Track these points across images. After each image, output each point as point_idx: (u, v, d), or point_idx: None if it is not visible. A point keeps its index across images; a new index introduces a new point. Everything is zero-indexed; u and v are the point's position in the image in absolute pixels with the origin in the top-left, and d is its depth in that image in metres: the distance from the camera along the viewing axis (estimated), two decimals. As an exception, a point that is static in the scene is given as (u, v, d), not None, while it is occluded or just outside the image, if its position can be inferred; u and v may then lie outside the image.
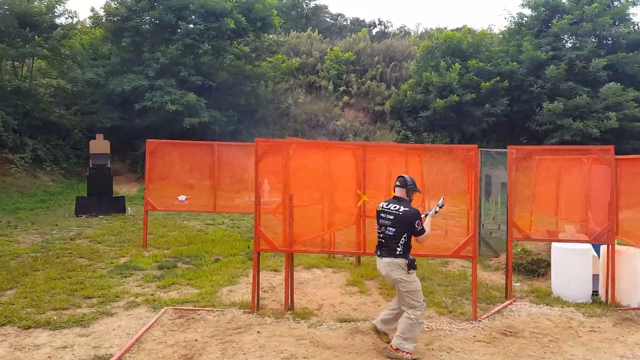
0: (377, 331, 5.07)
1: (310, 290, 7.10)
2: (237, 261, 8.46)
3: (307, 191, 6.75)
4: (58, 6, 19.18)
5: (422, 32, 35.69)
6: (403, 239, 4.80)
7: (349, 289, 7.16)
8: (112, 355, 4.71)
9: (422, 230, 4.87)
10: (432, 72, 23.14)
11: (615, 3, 23.34)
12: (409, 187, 4.99)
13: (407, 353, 4.72)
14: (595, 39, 23.07)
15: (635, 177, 7.18)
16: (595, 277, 6.92)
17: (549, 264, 7.62)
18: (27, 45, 17.79)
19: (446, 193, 8.14)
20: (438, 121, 23.16)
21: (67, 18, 19.81)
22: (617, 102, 20.20)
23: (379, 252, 4.94)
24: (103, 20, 20.61)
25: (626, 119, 20.00)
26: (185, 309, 6.02)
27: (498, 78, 22.22)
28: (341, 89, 25.87)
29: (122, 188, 17.29)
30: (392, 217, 4.84)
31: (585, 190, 7.51)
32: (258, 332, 5.39)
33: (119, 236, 10.53)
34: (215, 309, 6.04)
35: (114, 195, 14.34)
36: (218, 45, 20.10)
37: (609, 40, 22.90)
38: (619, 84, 20.44)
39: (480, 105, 22.34)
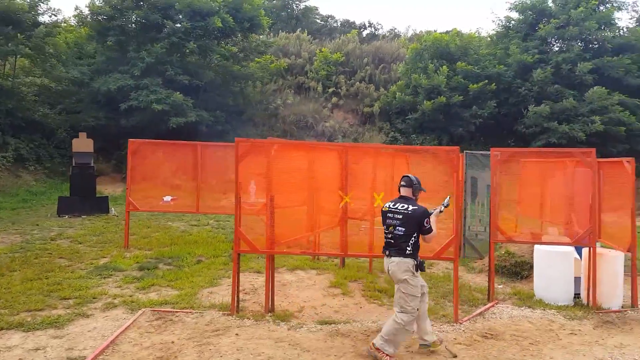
0: (427, 345, 4.96)
1: (293, 292, 7.03)
2: (220, 262, 8.37)
3: (290, 192, 6.68)
4: (42, 4, 18.92)
5: (412, 34, 35.86)
6: (413, 238, 4.79)
7: (332, 291, 7.10)
8: (85, 358, 4.60)
9: (430, 229, 4.86)
10: (421, 75, 23.21)
11: (601, 7, 23.58)
12: (415, 186, 5.01)
13: (387, 355, 4.67)
14: (581, 42, 23.29)
15: (617, 179, 7.22)
16: (578, 280, 6.93)
17: (532, 267, 7.62)
18: (10, 44, 17.51)
19: (430, 195, 8.20)
20: (427, 123, 23.22)
21: (50, 16, 19.58)
22: (602, 105, 20.39)
23: (387, 252, 4.89)
24: (88, 19, 20.35)
25: (611, 123, 20.19)
26: (164, 311, 5.92)
27: (486, 81, 22.34)
28: (330, 90, 25.85)
29: (107, 188, 17.09)
30: (400, 217, 4.82)
31: (569, 193, 7.51)
32: (236, 334, 5.31)
33: (100, 237, 10.38)
34: (194, 311, 5.95)
35: (98, 195, 14.16)
36: (205, 45, 19.99)
37: (595, 44, 23.13)
38: (604, 87, 20.63)
39: (468, 107, 22.45)
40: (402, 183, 5.04)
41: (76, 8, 23.46)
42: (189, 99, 19.04)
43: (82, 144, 13.52)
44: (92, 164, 13.79)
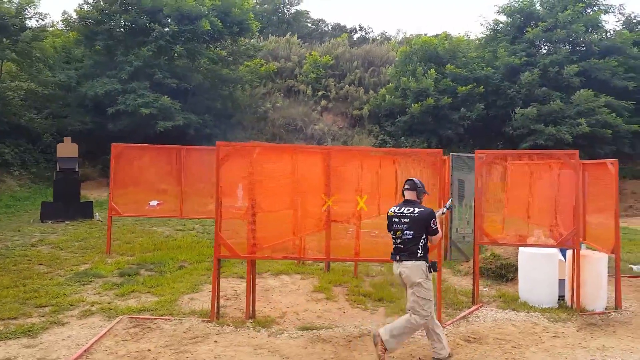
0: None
1: (276, 297, 6.93)
2: (203, 268, 8.25)
3: (274, 196, 6.59)
4: (29, 8, 18.70)
5: (402, 38, 35.91)
6: (422, 240, 4.80)
7: (315, 296, 7.01)
8: (56, 368, 4.48)
9: (437, 230, 4.87)
10: (410, 78, 23.24)
11: (588, 11, 23.74)
12: (419, 189, 5.02)
13: (385, 349, 4.63)
14: (568, 45, 23.43)
15: (600, 181, 7.21)
16: (562, 282, 6.89)
17: (517, 269, 7.57)
18: (-4, 49, 17.33)
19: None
20: (416, 125, 23.24)
21: (37, 20, 19.36)
22: (589, 108, 20.49)
23: (397, 257, 4.86)
24: (76, 24, 20.17)
25: (598, 125, 20.29)
26: (141, 318, 5.80)
27: (474, 84, 22.42)
28: (320, 93, 25.80)
29: (92, 193, 16.89)
30: (407, 220, 4.82)
31: (554, 195, 7.50)
32: (215, 341, 5.21)
33: (83, 242, 10.21)
34: (173, 318, 5.84)
35: (82, 200, 13.96)
36: (193, 48, 19.87)
37: (582, 47, 23.27)
38: (590, 90, 20.74)
39: (457, 110, 22.51)
40: (407, 186, 5.04)
41: (64, 13, 23.26)
42: (177, 102, 18.90)
43: (67, 149, 13.34)
44: (76, 169, 13.61)
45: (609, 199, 6.79)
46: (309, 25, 41.09)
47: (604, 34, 23.94)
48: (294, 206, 6.90)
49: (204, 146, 11.40)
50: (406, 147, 22.64)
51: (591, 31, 23.38)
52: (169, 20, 19.61)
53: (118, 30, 20.40)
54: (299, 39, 30.54)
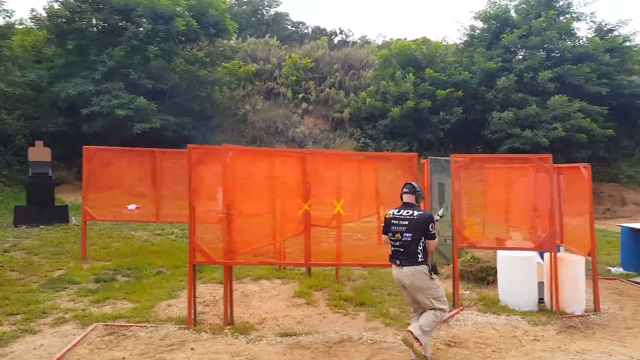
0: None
1: (255, 303, 6.83)
2: (181, 273, 8.08)
3: (251, 200, 6.50)
4: (-6, 5, 18.15)
5: (382, 42, 36.10)
6: (422, 243, 4.85)
7: (296, 301, 6.93)
8: (26, 380, 4.31)
9: (434, 235, 4.91)
10: (389, 81, 23.37)
11: (561, 18, 24.26)
12: (418, 193, 5.11)
13: (421, 345, 4.71)
14: (543, 51, 23.87)
15: (575, 184, 7.31)
16: (541, 285, 6.95)
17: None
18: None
19: (393, 200, 8.14)
20: (397, 129, 23.36)
21: (4, 17, 18.76)
22: (564, 112, 20.88)
23: (398, 262, 4.89)
24: (45, 22, 19.64)
25: (573, 129, 20.69)
26: (117, 325, 5.65)
27: (453, 89, 22.65)
28: (300, 95, 25.71)
29: (68, 197, 16.46)
30: (406, 223, 4.87)
31: (532, 198, 7.57)
32: (192, 349, 5.10)
33: (58, 247, 9.94)
34: (150, 325, 5.69)
35: (57, 204, 13.61)
36: (168, 48, 19.53)
37: (556, 54, 23.73)
38: (565, 95, 21.14)
39: (436, 113, 22.71)
40: (405, 190, 5.12)
41: (32, 10, 22.50)
42: (153, 103, 18.56)
43: (39, 152, 12.94)
44: (49, 174, 13.23)
45: (584, 202, 6.88)
46: (289, 27, 40.98)
47: (577, 41, 24.46)
48: (272, 210, 6.82)
49: (181, 149, 11.21)
50: (387, 150, 22.76)
51: (564, 38, 23.88)
52: (144, 20, 19.28)
53: (90, 29, 19.92)
54: (279, 41, 30.42)
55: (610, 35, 24.00)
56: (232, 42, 24.15)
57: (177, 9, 19.48)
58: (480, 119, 23.01)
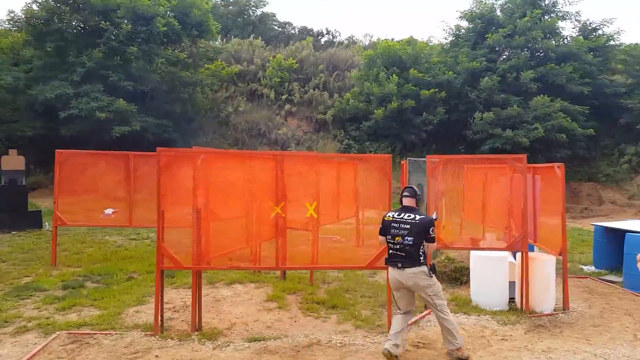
0: (391, 356, 4.82)
1: (226, 308, 6.73)
2: (153, 279, 7.83)
3: (223, 204, 6.42)
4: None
5: (369, 42, 36.07)
6: (422, 246, 4.93)
7: (268, 305, 6.85)
8: (-22, 392, 4.19)
9: (434, 238, 4.99)
10: (373, 83, 23.37)
11: (546, 17, 24.41)
12: (419, 196, 5.17)
13: (459, 349, 4.92)
14: (528, 51, 24.02)
15: (550, 184, 7.33)
16: (513, 284, 6.95)
17: (471, 272, 7.62)
18: None
19: (370, 201, 8.12)
20: (380, 130, 23.39)
21: (-20, 19, 18.50)
22: (545, 113, 21.04)
23: (400, 264, 4.93)
24: (23, 24, 19.35)
25: (554, 129, 20.85)
26: (80, 333, 5.52)
27: (437, 89, 22.71)
28: (284, 97, 25.64)
29: (44, 202, 16.18)
30: (408, 226, 4.92)
31: (507, 198, 7.59)
32: (156, 356, 5.00)
33: (29, 254, 9.75)
34: (115, 332, 5.57)
35: (32, 209, 13.37)
36: (149, 49, 19.33)
37: (540, 53, 23.90)
38: (546, 96, 21.30)
39: (420, 114, 22.75)
40: (406, 193, 5.17)
41: (10, 12, 22.14)
42: (133, 105, 18.33)
43: (12, 161, 12.67)
44: (23, 183, 12.99)
45: (558, 201, 6.90)
46: (276, 28, 40.86)
47: (561, 40, 24.65)
48: (245, 214, 6.74)
49: (148, 152, 11.07)
50: (370, 151, 22.79)
51: (549, 37, 23.99)
52: (124, 21, 19.07)
53: (69, 30, 19.66)
54: (264, 42, 30.29)
55: (594, 34, 24.18)
56: (217, 43, 23.96)
57: (159, 9, 19.30)
58: (463, 119, 23.12)
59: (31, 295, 7.02)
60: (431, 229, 4.93)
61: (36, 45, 19.58)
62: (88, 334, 5.53)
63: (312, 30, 40.82)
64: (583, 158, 22.31)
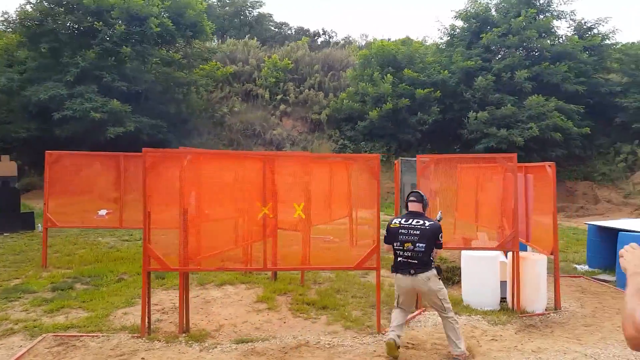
0: (396, 345, 4.89)
1: (216, 309, 6.68)
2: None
3: (213, 204, 6.38)
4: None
5: (365, 42, 36.03)
6: (432, 252, 4.92)
7: (257, 306, 6.80)
8: (-40, 396, 4.14)
9: (442, 244, 5.00)
10: (367, 83, 23.34)
11: (541, 16, 24.39)
12: (425, 201, 5.11)
13: (463, 354, 4.88)
14: (522, 50, 24.01)
15: (542, 183, 7.30)
16: (504, 284, 6.93)
17: (463, 272, 7.58)
18: None
19: (361, 201, 8.08)
20: (376, 130, 23.36)
21: (-26, 21, 18.45)
22: (539, 112, 21.02)
23: (412, 271, 4.85)
24: (17, 25, 19.28)
25: (548, 129, 20.84)
26: (67, 336, 5.47)
27: (432, 89, 22.69)
28: (279, 97, 25.58)
29: (38, 203, 16.07)
30: (418, 232, 4.87)
31: (499, 198, 7.56)
32: (142, 358, 4.95)
33: (20, 255, 9.69)
34: (102, 334, 5.53)
35: (25, 211, 13.30)
36: (143, 50, 19.28)
37: (535, 52, 23.88)
38: (540, 95, 21.28)
39: (414, 114, 22.73)
40: (412, 198, 5.10)
41: (4, 13, 22.09)
42: (128, 106, 18.28)
43: (5, 167, 12.63)
44: (16, 187, 12.93)
45: (549, 200, 6.87)
46: (272, 28, 40.83)
47: (556, 39, 24.63)
48: (235, 214, 6.70)
49: (138, 153, 11.02)
50: (366, 151, 22.74)
51: (544, 36, 23.97)
52: (118, 22, 19.01)
53: (63, 31, 19.61)
54: (259, 42, 30.25)
55: (589, 33, 24.17)
56: (213, 43, 23.91)
57: (153, 9, 19.24)
58: (458, 118, 23.09)
59: (19, 298, 6.96)
60: (440, 234, 4.91)
61: (30, 46, 19.52)
62: (74, 336, 5.48)
63: (308, 30, 40.82)
64: (579, 157, 22.31)
